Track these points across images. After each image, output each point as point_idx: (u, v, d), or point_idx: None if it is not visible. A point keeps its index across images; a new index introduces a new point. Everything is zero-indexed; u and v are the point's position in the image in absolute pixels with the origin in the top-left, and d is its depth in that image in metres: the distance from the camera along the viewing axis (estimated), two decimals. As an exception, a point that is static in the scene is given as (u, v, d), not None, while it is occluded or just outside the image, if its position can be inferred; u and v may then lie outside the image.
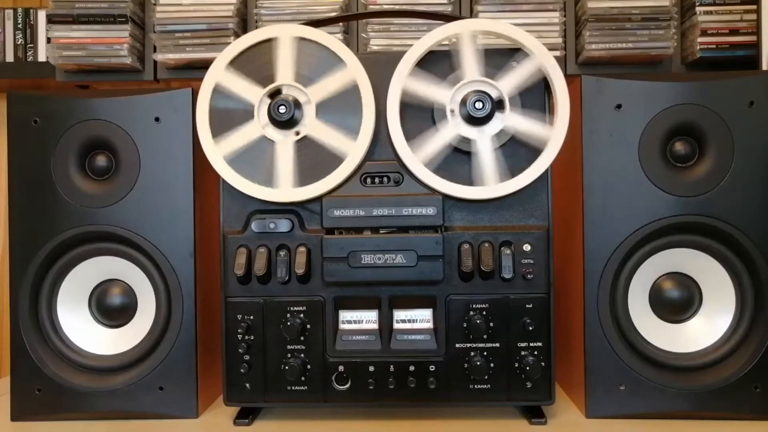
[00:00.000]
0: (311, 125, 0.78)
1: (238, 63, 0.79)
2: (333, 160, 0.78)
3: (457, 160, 0.78)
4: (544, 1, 1.15)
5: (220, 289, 0.80)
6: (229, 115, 0.78)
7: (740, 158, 0.79)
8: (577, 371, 0.83)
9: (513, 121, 0.77)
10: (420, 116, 0.79)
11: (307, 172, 0.78)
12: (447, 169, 0.78)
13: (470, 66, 0.77)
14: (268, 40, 0.79)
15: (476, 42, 0.77)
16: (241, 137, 0.78)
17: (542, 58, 0.77)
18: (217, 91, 0.78)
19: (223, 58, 0.78)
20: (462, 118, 0.77)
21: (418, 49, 0.77)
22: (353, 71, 0.77)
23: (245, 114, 0.78)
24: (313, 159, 0.78)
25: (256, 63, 0.79)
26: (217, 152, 0.77)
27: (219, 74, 0.78)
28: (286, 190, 0.77)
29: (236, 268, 0.78)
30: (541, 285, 0.79)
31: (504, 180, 0.77)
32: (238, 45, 0.79)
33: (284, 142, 0.78)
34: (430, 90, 0.77)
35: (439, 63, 0.79)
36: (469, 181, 0.78)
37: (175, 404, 0.82)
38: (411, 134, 0.78)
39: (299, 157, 0.78)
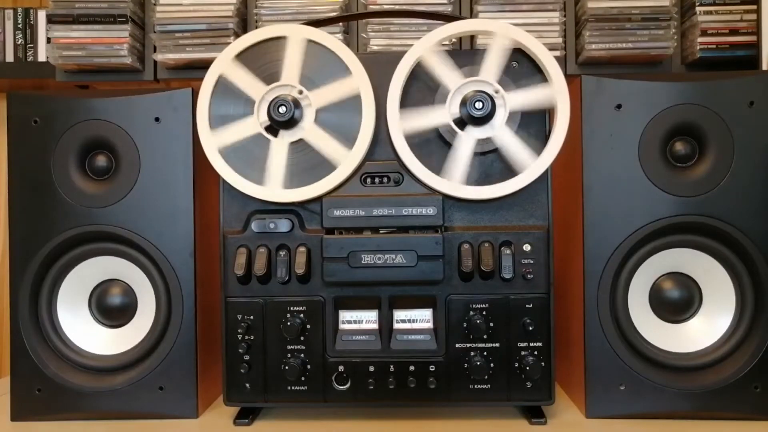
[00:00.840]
0: (309, 129, 0.78)
1: (245, 57, 0.79)
2: (322, 168, 0.78)
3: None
4: (544, 1, 1.15)
5: (220, 289, 0.80)
6: (230, 107, 0.78)
7: (740, 158, 0.79)
8: (577, 371, 0.83)
9: (514, 100, 0.77)
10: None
11: (307, 172, 0.78)
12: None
13: (448, 76, 0.77)
14: (278, 38, 0.78)
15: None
16: (237, 131, 0.78)
17: (505, 33, 0.76)
18: (221, 84, 0.78)
19: (231, 49, 0.78)
20: (469, 124, 0.77)
21: (395, 92, 0.76)
22: (358, 80, 0.77)
23: (245, 106, 0.78)
24: (303, 163, 0.78)
25: (262, 60, 0.79)
26: (212, 142, 0.77)
27: (225, 65, 0.78)
28: (276, 189, 0.77)
29: (236, 268, 0.78)
30: (541, 285, 0.79)
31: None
32: (248, 39, 0.78)
33: (279, 142, 0.78)
34: (428, 119, 0.77)
35: (422, 84, 0.79)
36: (476, 181, 0.78)
37: (175, 404, 0.82)
38: (423, 150, 0.78)
39: (294, 158, 0.78)
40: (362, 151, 0.77)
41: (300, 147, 0.78)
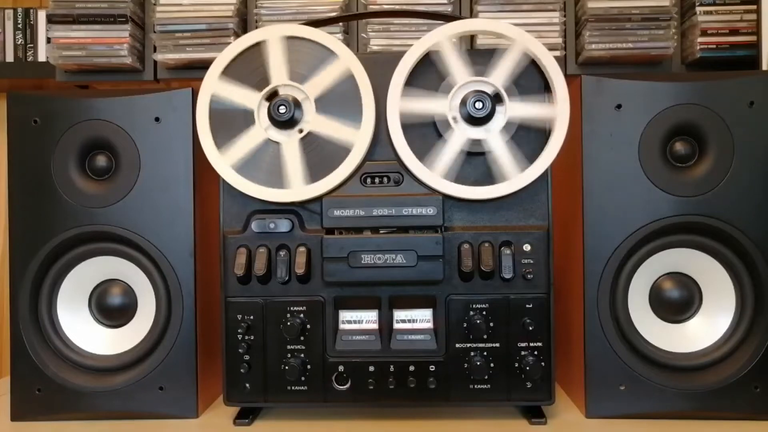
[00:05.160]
0: (313, 121, 0.78)
1: (231, 71, 0.78)
2: (338, 155, 0.77)
3: (463, 162, 0.78)
4: (544, 1, 1.15)
5: (220, 289, 0.80)
6: (230, 122, 0.78)
7: (740, 158, 0.79)
8: (577, 371, 0.83)
9: (515, 110, 0.77)
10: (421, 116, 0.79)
11: (313, 170, 0.78)
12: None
13: (458, 69, 0.77)
14: (258, 44, 0.78)
15: (458, 45, 0.77)
16: (245, 144, 0.78)
17: (525, 43, 0.76)
18: (215, 101, 0.78)
19: (215, 68, 0.78)
20: (465, 122, 0.77)
21: (402, 71, 0.77)
22: (346, 60, 0.77)
23: (246, 117, 0.78)
24: (318, 156, 0.78)
25: (249, 68, 0.79)
26: (224, 162, 0.77)
27: (213, 85, 0.78)
28: (292, 189, 0.77)
29: (236, 268, 0.78)
30: (541, 285, 0.79)
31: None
32: (228, 53, 0.78)
33: (289, 142, 0.78)
34: (427, 105, 0.77)
35: (428, 72, 0.78)
36: (476, 181, 0.78)
37: (175, 404, 0.82)
38: (412, 134, 0.78)
39: (306, 155, 0.78)
40: (371, 126, 0.77)
41: (310, 141, 0.78)
